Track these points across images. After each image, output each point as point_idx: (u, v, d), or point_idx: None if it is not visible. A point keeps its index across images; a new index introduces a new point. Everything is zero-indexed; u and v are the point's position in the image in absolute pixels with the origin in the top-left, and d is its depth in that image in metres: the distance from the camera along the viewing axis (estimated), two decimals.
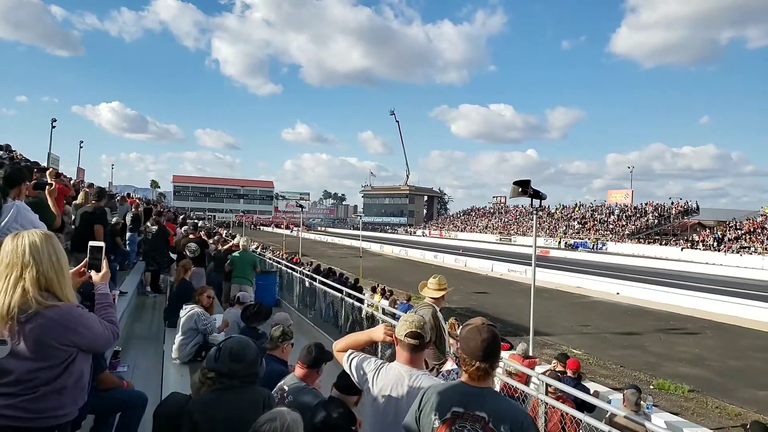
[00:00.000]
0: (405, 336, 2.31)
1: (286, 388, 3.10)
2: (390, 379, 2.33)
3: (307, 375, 3.19)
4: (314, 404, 2.84)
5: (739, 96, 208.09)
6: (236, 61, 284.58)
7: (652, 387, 10.96)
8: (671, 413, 8.74)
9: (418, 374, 2.31)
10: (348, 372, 2.51)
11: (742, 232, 45.34)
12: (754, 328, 17.40)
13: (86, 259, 2.36)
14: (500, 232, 73.45)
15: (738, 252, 41.27)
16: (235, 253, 9.67)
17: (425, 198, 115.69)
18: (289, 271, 15.22)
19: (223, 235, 18.15)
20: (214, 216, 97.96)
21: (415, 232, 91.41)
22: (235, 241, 10.75)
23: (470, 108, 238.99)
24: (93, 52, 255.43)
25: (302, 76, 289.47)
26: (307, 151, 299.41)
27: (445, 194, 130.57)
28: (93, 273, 2.35)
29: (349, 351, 2.54)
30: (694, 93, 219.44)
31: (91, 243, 2.41)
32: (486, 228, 79.87)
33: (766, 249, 39.99)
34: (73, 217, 7.12)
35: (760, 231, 43.67)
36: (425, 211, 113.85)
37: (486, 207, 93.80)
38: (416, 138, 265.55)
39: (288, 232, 70.24)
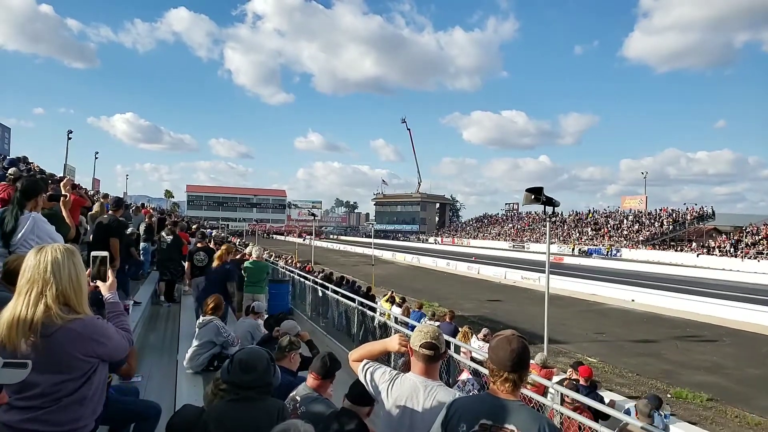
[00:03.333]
0: (420, 347, 2.28)
1: (299, 398, 3.09)
2: (405, 390, 2.30)
3: (320, 386, 3.18)
4: (327, 415, 2.82)
5: (755, 99, 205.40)
6: (248, 70, 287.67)
7: (669, 396, 10.78)
8: (689, 423, 8.59)
9: (434, 385, 2.29)
10: (363, 382, 2.49)
11: (760, 237, 44.59)
12: None
13: (89, 269, 2.38)
14: (513, 239, 73.04)
15: (755, 258, 40.55)
16: (248, 262, 9.72)
17: (437, 205, 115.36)
18: (301, 279, 15.25)
19: (236, 245, 18.26)
20: (228, 225, 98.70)
21: (427, 240, 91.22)
22: (248, 250, 10.78)
23: (482, 115, 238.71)
24: (108, 64, 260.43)
25: (314, 85, 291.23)
26: (319, 160, 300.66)
27: (457, 201, 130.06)
28: (100, 283, 2.37)
29: (365, 361, 2.52)
30: (709, 97, 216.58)
31: (94, 253, 2.42)
32: (499, 235, 79.51)
33: None
34: (88, 228, 7.20)
35: None
36: (437, 218, 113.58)
37: (498, 214, 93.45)
38: (428, 145, 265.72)
39: (301, 240, 70.38)
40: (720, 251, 45.00)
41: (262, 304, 7.51)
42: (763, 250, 41.91)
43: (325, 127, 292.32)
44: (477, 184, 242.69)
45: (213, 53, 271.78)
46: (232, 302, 7.56)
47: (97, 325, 2.06)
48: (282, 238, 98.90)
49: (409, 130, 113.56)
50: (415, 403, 2.25)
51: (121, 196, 8.62)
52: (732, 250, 44.24)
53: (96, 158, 60.29)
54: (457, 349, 6.92)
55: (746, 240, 45.19)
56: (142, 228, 10.55)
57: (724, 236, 49.79)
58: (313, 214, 37.16)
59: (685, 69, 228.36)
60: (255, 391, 2.46)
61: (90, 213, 7.87)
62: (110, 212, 6.89)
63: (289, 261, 28.09)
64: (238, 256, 10.37)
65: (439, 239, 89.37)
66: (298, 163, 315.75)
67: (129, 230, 9.33)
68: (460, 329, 9.21)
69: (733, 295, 23.55)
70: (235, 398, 2.47)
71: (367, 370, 2.47)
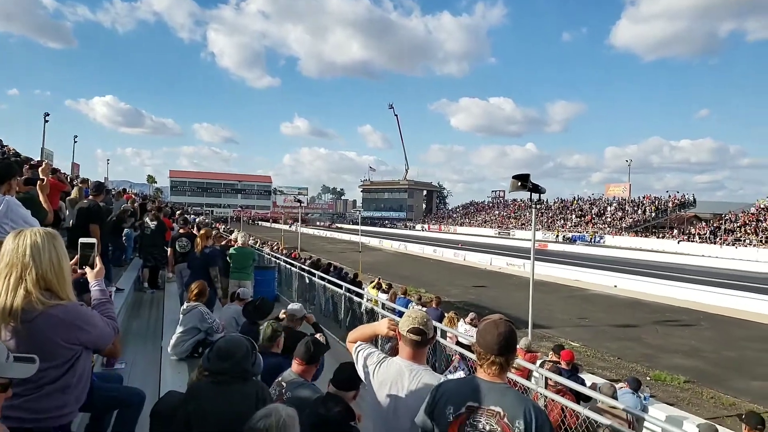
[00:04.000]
0: (408, 332, 2.31)
1: (285, 384, 3.11)
2: (391, 373, 2.34)
3: (305, 371, 3.20)
4: (312, 399, 2.85)
5: (737, 89, 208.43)
6: (232, 53, 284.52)
7: (648, 378, 11.01)
8: (667, 404, 8.77)
9: (419, 369, 2.31)
10: (355, 363, 2.55)
11: (738, 224, 45.55)
12: (749, 320, 17.51)
13: (77, 256, 2.34)
14: (499, 227, 73.54)
15: (733, 244, 41.46)
16: (234, 249, 9.64)
17: (424, 192, 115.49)
18: (287, 266, 15.21)
19: (221, 230, 18.12)
20: (212, 211, 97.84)
21: (414, 227, 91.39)
22: (233, 236, 10.70)
23: (470, 101, 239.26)
24: (86, 45, 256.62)
25: (300, 69, 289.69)
26: (305, 146, 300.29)
27: (444, 188, 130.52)
28: (87, 270, 2.33)
29: (358, 343, 2.58)
30: (693, 86, 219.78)
31: (82, 240, 2.38)
32: (485, 222, 79.95)
33: (760, 241, 40.13)
34: (67, 213, 7.07)
35: (755, 223, 43.83)
36: (424, 205, 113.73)
37: (485, 201, 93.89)
38: (416, 132, 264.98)
39: (287, 227, 70.09)
40: (700, 238, 45.84)
41: (247, 290, 7.46)
42: (741, 237, 42.82)
43: (311, 112, 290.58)
44: (464, 172, 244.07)
45: (195, 35, 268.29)
46: (216, 287, 7.48)
47: (81, 311, 2.02)
48: (267, 224, 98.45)
49: (396, 116, 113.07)
50: (400, 387, 2.29)
51: (102, 181, 8.44)
52: (711, 237, 45.10)
53: (75, 142, 58.69)
54: (444, 334, 6.95)
55: (725, 227, 46.09)
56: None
57: (704, 223, 50.74)
58: (299, 201, 37.01)
59: (671, 58, 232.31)
60: (231, 377, 2.45)
61: (68, 198, 7.71)
62: (90, 197, 6.76)
63: (275, 248, 27.96)
64: (223, 242, 10.32)
65: (426, 226, 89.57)
66: (284, 149, 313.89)
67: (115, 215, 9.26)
68: (446, 314, 9.27)
69: (711, 281, 24.07)
70: (213, 381, 2.47)
71: (358, 352, 2.52)
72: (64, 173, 14.45)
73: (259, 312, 5.23)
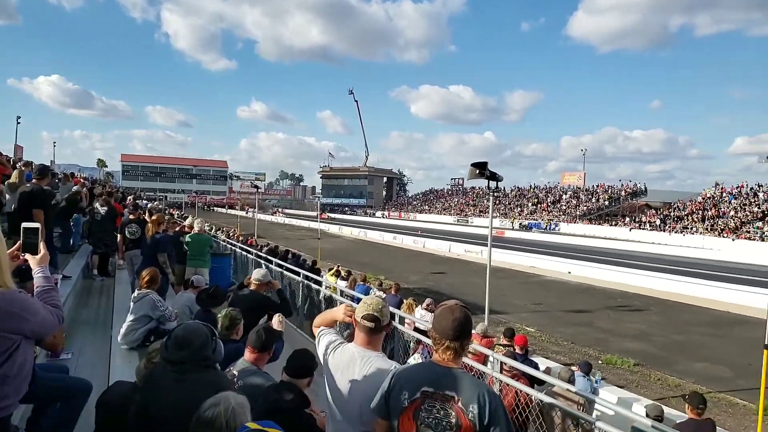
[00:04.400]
0: (362, 318, 2.31)
1: (236, 372, 3.08)
2: (344, 359, 2.35)
3: (258, 359, 3.19)
4: (265, 387, 2.83)
5: (687, 81, 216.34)
6: (188, 34, 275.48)
7: (600, 362, 11.40)
8: (617, 386, 9.12)
9: (371, 356, 2.32)
10: (316, 347, 2.55)
11: (686, 213, 47.68)
12: (695, 304, 18.31)
13: (20, 241, 2.20)
14: (458, 214, 74.50)
15: (681, 232, 43.37)
16: (189, 235, 9.38)
17: (384, 179, 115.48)
18: (243, 253, 14.94)
19: (175, 216, 17.66)
20: (166, 196, 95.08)
21: (374, 214, 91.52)
22: (187, 222, 10.41)
23: (430, 89, 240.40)
24: (30, 21, 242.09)
25: (258, 52, 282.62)
26: (263, 130, 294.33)
27: (404, 176, 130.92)
28: (29, 256, 2.20)
29: (321, 328, 2.59)
30: (647, 78, 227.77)
31: (25, 225, 2.24)
32: (444, 209, 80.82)
33: (706, 229, 42.15)
34: (8, 197, 6.71)
35: (701, 212, 45.99)
36: (384, 192, 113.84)
37: (444, 189, 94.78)
38: (376, 118, 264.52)
39: (243, 213, 68.81)
40: (650, 226, 47.80)
41: (201, 277, 7.27)
42: (688, 225, 44.84)
43: (269, 96, 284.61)
44: (424, 159, 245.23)
45: (149, 14, 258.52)
46: (167, 274, 7.27)
47: (19, 298, 1.91)
48: (224, 210, 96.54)
49: (356, 101, 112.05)
50: (351, 373, 2.30)
51: (47, 165, 7.99)
52: (661, 225, 47.08)
53: (18, 123, 55.29)
54: (402, 320, 6.97)
55: (674, 215, 48.23)
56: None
57: (654, 212, 53.02)
58: (256, 186, 36.21)
59: (625, 50, 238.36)
60: (189, 365, 2.37)
61: (8, 182, 7.31)
62: (34, 181, 6.44)
63: (231, 234, 27.44)
64: (177, 228, 10.05)
65: (386, 213, 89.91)
66: (241, 133, 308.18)
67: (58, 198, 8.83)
68: (405, 301, 9.32)
69: (660, 267, 25.06)
70: (173, 370, 2.38)
71: (320, 337, 2.53)
72: (6, 156, 13.68)
73: (213, 300, 5.15)
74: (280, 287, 5.29)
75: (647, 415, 4.73)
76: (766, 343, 8.16)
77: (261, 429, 1.70)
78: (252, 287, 5.33)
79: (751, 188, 46.26)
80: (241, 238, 22.88)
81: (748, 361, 11.12)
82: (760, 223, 38.74)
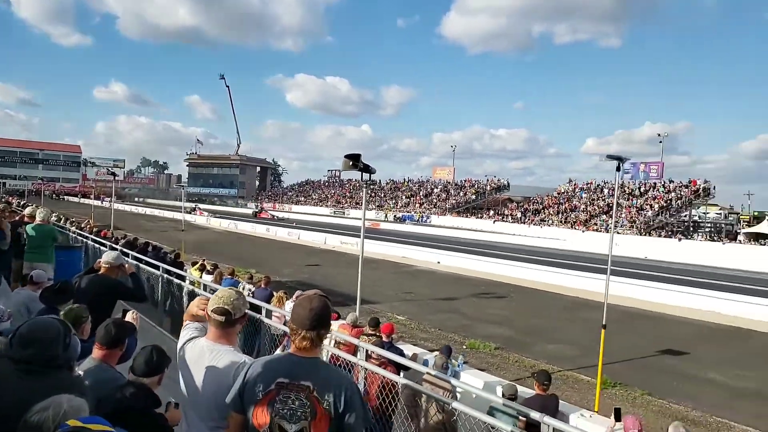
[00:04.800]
0: (212, 311, 2.29)
1: (81, 372, 2.70)
2: (194, 354, 2.34)
3: (107, 356, 2.92)
4: (111, 387, 2.60)
5: (546, 85, 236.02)
6: (33, 3, 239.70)
7: (465, 347, 11.76)
8: (479, 369, 9.41)
9: (220, 350, 2.30)
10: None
11: (543, 206, 52.46)
12: (551, 291, 19.88)
13: None
14: (334, 206, 74.59)
15: (539, 224, 47.54)
16: (30, 226, 8.03)
17: (258, 169, 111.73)
18: (96, 246, 13.77)
19: (13, 205, 15.37)
20: (5, 183, 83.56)
21: (246, 205, 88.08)
22: (27, 211, 8.98)
23: (306, 78, 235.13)
24: None
25: (119, 28, 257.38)
26: (123, 113, 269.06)
27: (279, 166, 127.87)
28: None
29: (187, 322, 2.57)
30: (512, 80, 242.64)
31: None
32: (320, 201, 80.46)
33: (560, 221, 46.68)
34: None
35: (557, 205, 50.88)
36: (258, 182, 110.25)
37: (321, 180, 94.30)
38: (250, 105, 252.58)
39: (99, 202, 62.40)
40: (512, 218, 51.90)
41: (42, 272, 6.16)
42: (545, 217, 49.39)
43: (131, 77, 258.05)
44: (300, 149, 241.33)
45: None
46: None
47: None
48: (76, 199, 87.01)
49: (228, 87, 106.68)
50: (200, 367, 2.29)
51: None
52: (522, 217, 51.25)
53: None
54: (269, 314, 6.64)
55: (533, 209, 52.83)
56: None
57: (515, 205, 57.82)
58: (113, 174, 32.89)
59: (493, 52, 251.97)
60: (39, 365, 2.13)
61: None
62: None
63: (84, 226, 24.54)
64: (16, 218, 8.60)
65: (258, 204, 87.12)
66: (98, 116, 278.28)
67: None
68: (275, 294, 8.92)
69: (521, 257, 27.02)
70: (16, 371, 2.13)
71: (184, 330, 2.52)
72: None
73: (61, 296, 4.49)
74: (134, 271, 5.09)
75: (503, 395, 4.96)
76: (603, 323, 9.06)
77: (82, 426, 1.55)
78: (102, 271, 4.90)
79: (598, 185, 52.24)
80: (94, 230, 20.54)
81: (594, 341, 12.18)
82: (605, 216, 43.74)
